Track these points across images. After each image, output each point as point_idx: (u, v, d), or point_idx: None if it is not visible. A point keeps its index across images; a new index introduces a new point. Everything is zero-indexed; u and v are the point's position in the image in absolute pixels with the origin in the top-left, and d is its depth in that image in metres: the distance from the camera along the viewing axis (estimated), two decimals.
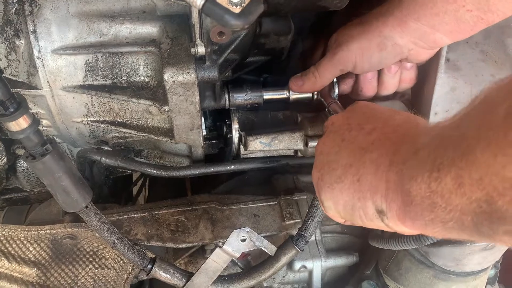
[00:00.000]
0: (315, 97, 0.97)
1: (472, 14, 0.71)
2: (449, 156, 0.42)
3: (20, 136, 0.65)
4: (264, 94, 0.96)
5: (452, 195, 0.42)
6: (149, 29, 0.85)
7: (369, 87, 0.93)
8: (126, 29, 0.85)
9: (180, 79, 0.79)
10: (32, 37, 0.85)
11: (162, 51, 0.81)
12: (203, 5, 0.50)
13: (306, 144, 0.93)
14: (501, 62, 0.86)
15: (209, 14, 0.51)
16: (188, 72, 0.79)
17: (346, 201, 0.60)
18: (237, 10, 0.67)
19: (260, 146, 0.93)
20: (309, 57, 1.02)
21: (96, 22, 0.85)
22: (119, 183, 1.38)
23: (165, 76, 0.79)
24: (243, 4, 0.66)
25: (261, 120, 1.00)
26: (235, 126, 0.98)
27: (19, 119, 0.64)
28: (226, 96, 0.94)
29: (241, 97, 0.95)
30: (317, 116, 0.95)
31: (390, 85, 0.93)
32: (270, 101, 0.97)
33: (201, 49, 0.76)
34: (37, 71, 0.87)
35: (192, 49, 0.77)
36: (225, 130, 1.05)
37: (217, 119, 1.09)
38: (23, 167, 1.12)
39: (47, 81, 0.88)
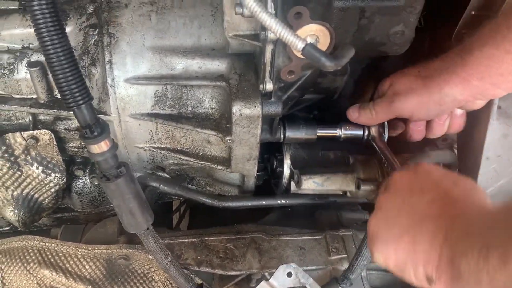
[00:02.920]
0: (365, 137, 1.00)
1: None
2: (497, 237, 0.48)
3: (99, 158, 0.70)
4: (318, 130, 0.99)
5: (497, 273, 0.47)
6: (217, 65, 0.90)
7: (418, 133, 0.96)
8: (196, 64, 0.91)
9: (247, 112, 0.84)
10: (107, 66, 0.91)
11: (231, 86, 0.86)
12: (303, 48, 0.55)
13: (358, 187, 0.95)
14: None
15: (308, 56, 0.56)
16: (255, 106, 0.83)
17: (398, 260, 0.64)
18: None
19: (313, 185, 0.96)
20: (360, 98, 1.06)
21: (169, 56, 0.91)
22: (160, 208, 1.41)
23: (234, 109, 0.83)
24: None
25: (312, 158, 1.04)
26: (287, 161, 1.02)
27: (101, 143, 0.69)
28: (282, 130, 0.98)
29: (296, 133, 0.99)
30: (369, 160, 0.98)
31: (438, 131, 0.96)
32: (321, 138, 1.01)
33: (269, 86, 0.81)
34: (109, 98, 0.93)
35: (261, 86, 0.81)
36: (275, 164, 1.09)
37: (264, 152, 1.12)
38: (78, 187, 1.16)
39: (117, 108, 0.94)
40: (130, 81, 0.91)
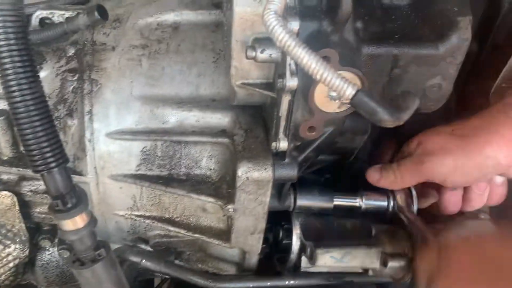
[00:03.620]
0: (391, 209, 0.86)
1: None
2: None
3: (73, 237, 0.55)
4: (334, 199, 0.85)
5: None
6: (219, 119, 0.77)
7: (453, 204, 0.83)
8: (194, 117, 0.77)
9: (255, 176, 0.69)
10: (86, 117, 0.77)
11: (235, 143, 0.72)
12: (354, 95, 0.41)
13: (384, 264, 0.80)
14: None
15: (359, 106, 0.42)
16: (265, 169, 0.69)
17: None
18: (335, 105, 0.59)
19: (330, 261, 0.80)
20: (378, 159, 0.93)
21: (161, 107, 0.77)
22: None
23: (239, 171, 0.69)
24: (342, 100, 0.58)
25: (326, 228, 0.88)
26: (297, 232, 0.86)
27: (76, 217, 0.53)
28: (292, 197, 0.83)
29: (309, 201, 0.84)
30: (396, 231, 0.83)
31: (477, 203, 0.83)
32: (339, 208, 0.86)
33: (283, 144, 0.67)
34: (86, 155, 0.78)
35: (273, 144, 0.68)
36: (280, 235, 0.93)
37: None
38: (44, 261, 0.98)
39: (95, 167, 0.79)
40: (113, 135, 0.77)
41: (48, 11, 0.85)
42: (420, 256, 0.76)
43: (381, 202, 0.86)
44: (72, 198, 0.54)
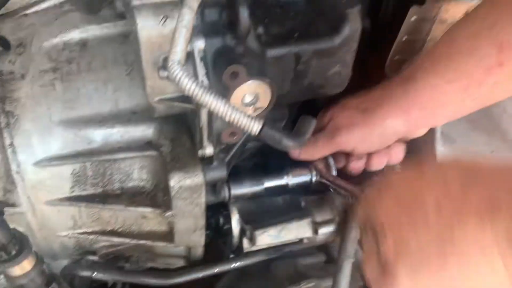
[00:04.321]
0: (314, 178, 0.95)
1: (477, 102, 0.75)
2: None
3: (23, 281, 0.57)
4: (264, 182, 0.92)
5: None
6: (142, 131, 0.80)
7: (358, 169, 0.94)
8: (117, 133, 0.80)
9: (187, 183, 0.74)
10: (9, 151, 0.77)
11: (163, 154, 0.76)
12: (261, 130, 0.47)
13: (315, 232, 0.90)
14: (491, 130, 0.90)
15: (266, 138, 0.48)
16: (196, 175, 0.74)
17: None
18: (250, 110, 0.65)
19: (269, 239, 0.89)
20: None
21: (83, 128, 0.79)
22: None
23: (171, 182, 0.73)
24: (256, 105, 0.64)
25: (260, 209, 0.96)
26: (236, 217, 0.93)
27: (23, 262, 0.56)
28: (226, 189, 0.89)
29: (242, 189, 0.91)
30: (322, 199, 0.93)
31: (378, 165, 0.94)
32: (270, 189, 0.94)
33: (209, 150, 0.73)
34: (16, 187, 0.79)
35: (200, 151, 0.73)
36: (220, 221, 1.00)
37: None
38: None
39: (28, 197, 0.80)
40: (41, 164, 0.78)
41: None
42: (355, 208, 0.83)
43: (305, 176, 0.94)
44: (14, 245, 0.57)
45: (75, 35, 0.82)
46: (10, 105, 0.78)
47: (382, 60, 0.96)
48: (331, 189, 0.92)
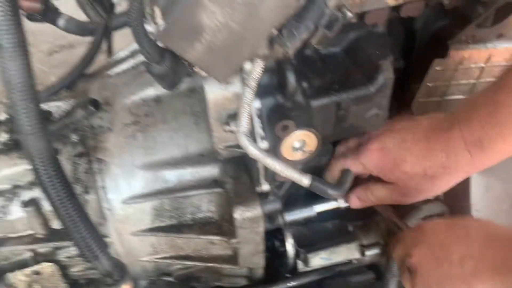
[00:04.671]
0: None
1: None
2: None
3: None
4: (314, 207, 1.04)
5: None
6: (209, 171, 0.95)
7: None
8: (189, 173, 0.95)
9: (248, 216, 0.88)
10: (101, 191, 0.94)
11: (227, 191, 0.90)
12: (310, 184, 0.60)
13: (363, 254, 1.00)
14: None
15: (315, 189, 0.61)
16: (255, 208, 0.88)
17: None
18: (299, 155, 0.78)
19: (320, 262, 1.01)
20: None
21: (161, 170, 0.95)
22: None
23: (235, 215, 0.87)
24: (304, 149, 0.77)
25: (313, 233, 1.08)
26: (290, 241, 1.06)
27: (123, 286, 0.72)
28: (280, 217, 1.02)
29: (294, 216, 1.03)
30: (369, 224, 1.04)
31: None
32: (321, 213, 1.06)
33: (266, 187, 0.86)
34: (107, 221, 0.95)
35: (258, 188, 0.86)
36: (277, 245, 1.12)
37: None
38: None
39: (116, 229, 0.96)
40: (127, 201, 0.94)
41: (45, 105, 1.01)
42: (395, 240, 0.91)
43: None
44: (117, 272, 0.72)
45: (151, 92, 0.98)
46: (101, 154, 0.95)
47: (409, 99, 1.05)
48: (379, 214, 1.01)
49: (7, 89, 0.60)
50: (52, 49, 2.42)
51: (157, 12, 0.50)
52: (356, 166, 0.89)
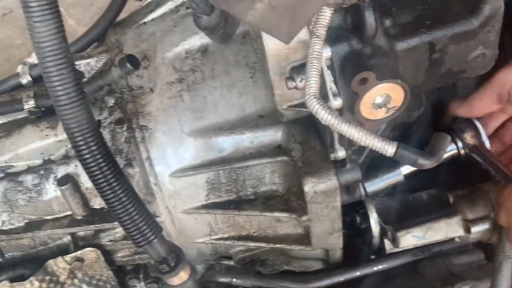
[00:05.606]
0: (462, 151, 1.04)
1: None
2: None
3: None
4: (401, 170, 1.06)
5: None
6: (272, 135, 1.00)
7: None
8: (247, 139, 1.00)
9: (321, 188, 0.93)
10: (147, 164, 1.02)
11: (294, 159, 0.95)
12: (395, 153, 0.63)
13: (468, 231, 1.03)
14: None
15: (401, 159, 0.64)
16: (330, 179, 0.92)
17: None
18: (382, 112, 0.81)
19: (414, 240, 1.04)
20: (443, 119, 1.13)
21: (213, 137, 1.01)
22: None
23: (306, 188, 0.92)
24: (388, 105, 0.80)
25: (402, 206, 1.11)
26: (374, 216, 1.10)
27: (180, 273, 0.79)
28: (361, 188, 1.06)
29: (378, 184, 1.07)
30: (473, 194, 1.05)
31: None
32: (411, 177, 1.08)
33: (341, 153, 0.90)
34: (155, 198, 1.03)
35: (332, 155, 0.90)
36: (357, 220, 1.17)
37: None
38: None
39: (166, 207, 1.04)
40: (176, 174, 1.02)
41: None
42: (498, 203, 0.94)
43: (449, 149, 1.04)
44: (173, 258, 0.80)
45: (196, 42, 1.03)
46: (144, 120, 1.02)
47: None
48: (483, 167, 1.01)
49: (37, 54, 0.67)
50: None
51: None
52: None
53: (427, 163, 0.66)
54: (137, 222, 0.76)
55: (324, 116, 0.65)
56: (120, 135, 1.03)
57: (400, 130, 1.10)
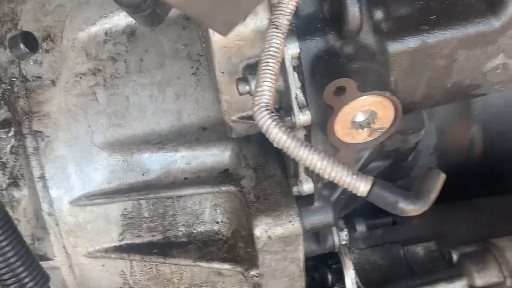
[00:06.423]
0: None
1: None
2: None
3: None
4: None
5: None
6: (216, 156, 1.00)
7: None
8: (182, 159, 1.01)
9: (279, 233, 0.94)
10: (39, 185, 1.01)
11: (245, 191, 0.96)
12: (369, 191, 0.65)
13: None
14: None
15: (377, 201, 0.66)
16: (290, 221, 0.94)
17: None
18: (364, 134, 0.83)
19: None
20: None
21: (136, 152, 1.01)
22: None
23: (257, 231, 0.93)
24: (373, 125, 0.82)
25: (390, 262, 1.13)
26: (351, 276, 1.12)
27: None
28: (335, 234, 1.08)
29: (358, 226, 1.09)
30: (484, 253, 1.08)
31: None
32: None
33: (307, 187, 0.91)
34: (48, 233, 1.02)
35: (295, 188, 0.92)
36: (330, 279, 1.19)
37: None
38: None
39: (63, 247, 1.03)
40: (80, 202, 1.01)
41: None
42: None
43: None
44: None
45: (120, 20, 1.03)
46: (39, 123, 1.01)
47: None
48: None
49: None
50: None
51: None
52: None
53: (411, 209, 0.67)
54: (14, 268, 0.76)
55: (277, 136, 0.65)
56: (4, 142, 1.02)
57: (394, 159, 1.13)
